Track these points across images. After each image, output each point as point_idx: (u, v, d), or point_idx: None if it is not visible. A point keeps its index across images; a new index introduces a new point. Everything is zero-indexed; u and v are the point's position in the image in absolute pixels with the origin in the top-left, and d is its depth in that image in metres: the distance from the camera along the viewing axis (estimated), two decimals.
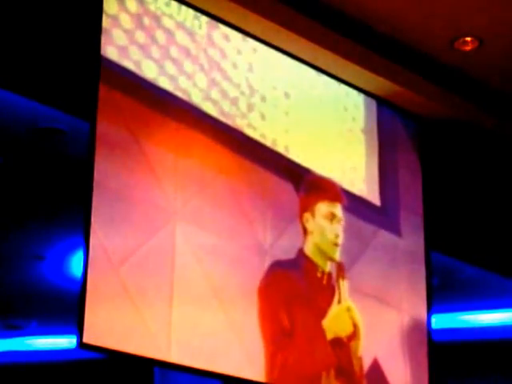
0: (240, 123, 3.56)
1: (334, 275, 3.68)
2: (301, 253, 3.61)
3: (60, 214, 4.40)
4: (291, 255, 3.59)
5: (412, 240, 4.05)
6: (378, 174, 4.03)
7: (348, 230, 3.81)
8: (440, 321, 5.23)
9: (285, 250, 3.56)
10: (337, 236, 3.71)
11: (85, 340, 2.91)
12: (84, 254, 2.98)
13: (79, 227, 3.04)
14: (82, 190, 3.07)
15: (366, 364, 3.71)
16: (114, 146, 3.13)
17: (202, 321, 3.22)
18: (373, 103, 4.09)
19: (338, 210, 3.75)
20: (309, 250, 3.64)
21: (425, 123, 4.22)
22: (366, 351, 3.70)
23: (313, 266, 3.63)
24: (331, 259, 3.69)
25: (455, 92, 4.13)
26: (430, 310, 4.00)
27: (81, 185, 3.09)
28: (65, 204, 4.20)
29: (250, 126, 3.59)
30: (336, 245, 3.70)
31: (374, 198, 3.99)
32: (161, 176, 3.24)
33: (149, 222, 3.16)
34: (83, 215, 3.01)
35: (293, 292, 3.53)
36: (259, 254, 3.47)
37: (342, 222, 3.75)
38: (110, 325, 2.98)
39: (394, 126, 4.17)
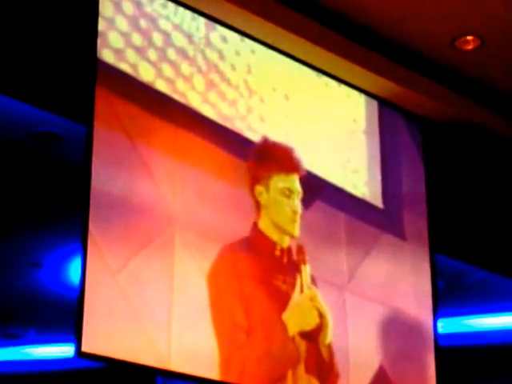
0: (239, 126, 3.52)
1: (295, 256, 3.42)
2: (255, 228, 3.36)
3: (57, 221, 4.37)
4: (244, 233, 3.34)
5: (416, 243, 4.01)
6: (380, 176, 4.00)
7: (351, 233, 3.75)
8: (447, 325, 5.19)
9: (237, 228, 3.28)
10: (295, 212, 3.43)
11: (83, 349, 2.88)
12: (82, 261, 2.95)
13: (77, 234, 3.01)
14: (79, 195, 3.03)
15: (372, 370, 3.66)
16: (111, 150, 3.10)
17: (202, 327, 3.17)
18: (374, 104, 4.06)
19: (295, 183, 3.48)
20: (264, 225, 3.38)
21: (427, 123, 4.20)
22: (370, 356, 3.64)
23: (269, 242, 3.36)
24: (290, 235, 3.44)
25: (457, 91, 4.12)
26: (436, 314, 3.96)
27: (78, 190, 3.06)
28: (62, 210, 4.17)
29: (249, 128, 3.55)
30: (294, 221, 3.43)
31: (377, 200, 3.95)
32: (159, 180, 3.20)
33: (147, 227, 3.12)
34: (81, 221, 2.97)
35: (246, 279, 3.23)
36: None
37: (301, 195, 3.49)
38: (109, 333, 2.94)
39: (396, 126, 4.13)
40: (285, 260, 3.38)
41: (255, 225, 3.36)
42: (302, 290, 3.38)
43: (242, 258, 3.27)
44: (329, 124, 3.88)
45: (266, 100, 3.66)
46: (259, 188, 3.40)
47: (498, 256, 4.43)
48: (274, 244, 3.38)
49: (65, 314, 4.15)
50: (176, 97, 3.33)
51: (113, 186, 3.07)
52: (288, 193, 3.44)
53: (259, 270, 3.31)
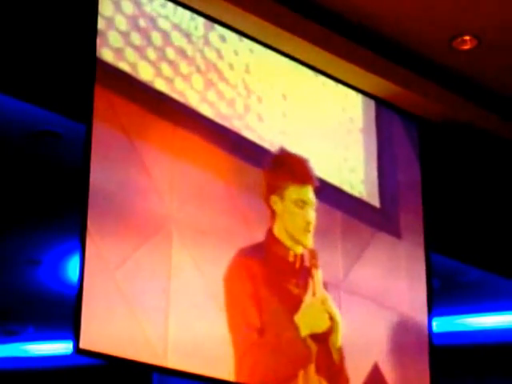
0: (237, 125, 3.54)
1: (308, 261, 3.50)
2: (270, 234, 3.45)
3: (56, 218, 4.38)
4: (259, 238, 3.43)
5: (412, 242, 4.02)
6: (377, 176, 4.01)
7: (347, 232, 3.77)
8: (441, 324, 5.20)
9: (249, 231, 3.37)
10: (308, 223, 3.52)
11: (81, 346, 2.89)
12: (80, 259, 2.96)
13: (75, 231, 3.02)
14: (77, 193, 3.04)
15: (366, 368, 3.67)
16: (109, 149, 3.11)
17: (199, 325, 3.19)
18: (371, 103, 4.07)
19: (309, 194, 3.57)
20: (278, 232, 3.47)
21: (424, 123, 4.21)
22: (364, 354, 3.66)
23: (283, 248, 3.45)
24: (303, 245, 3.52)
25: (454, 91, 4.12)
26: (431, 313, 3.97)
27: (77, 188, 3.07)
28: (61, 208, 4.18)
29: (247, 127, 3.57)
30: (308, 231, 3.52)
31: (374, 199, 3.97)
32: (157, 179, 3.22)
33: (145, 225, 3.14)
34: (79, 219, 2.99)
35: (260, 282, 3.32)
36: None
37: (314, 206, 3.57)
38: (107, 330, 2.95)
39: (392, 126, 4.15)
40: (297, 265, 3.47)
41: (270, 231, 3.45)
42: (313, 294, 3.47)
43: (257, 262, 3.36)
44: (326, 123, 3.90)
45: (263, 99, 3.67)
46: (274, 198, 3.49)
47: (493, 255, 4.44)
48: (287, 250, 3.47)
49: (63, 311, 4.17)
50: (175, 96, 3.35)
51: (111, 184, 3.08)
52: (301, 204, 3.53)
53: (273, 274, 3.39)
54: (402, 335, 3.86)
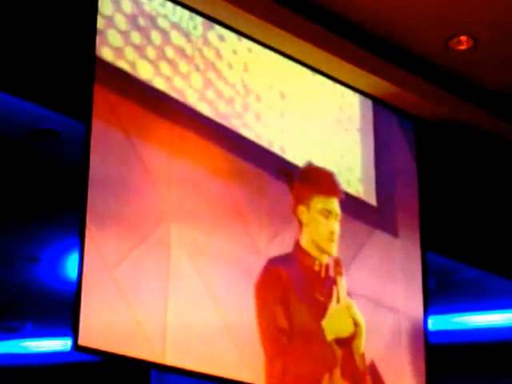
0: (235, 123, 3.55)
1: (332, 270, 3.64)
2: (297, 245, 3.59)
3: (55, 216, 4.39)
4: (288, 249, 3.56)
5: (408, 241, 4.04)
6: (374, 174, 4.03)
7: (344, 230, 3.80)
8: (437, 323, 5.21)
9: (281, 244, 3.52)
10: (332, 233, 3.67)
11: (80, 342, 2.90)
12: (79, 256, 2.97)
13: (74, 229, 3.04)
14: (76, 191, 3.05)
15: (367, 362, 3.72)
16: (108, 147, 3.12)
17: (198, 322, 3.21)
18: (368, 103, 4.09)
19: (334, 205, 3.71)
20: (305, 242, 3.61)
21: (420, 123, 4.22)
22: (366, 350, 3.70)
23: (309, 258, 3.60)
24: (328, 254, 3.67)
25: (450, 91, 4.13)
26: (427, 311, 3.99)
27: (76, 186, 3.08)
28: (59, 205, 4.19)
29: (245, 126, 3.59)
30: (332, 241, 3.67)
31: (371, 198, 3.99)
32: (155, 177, 3.24)
33: (143, 222, 3.16)
34: (78, 217, 3.00)
35: (290, 289, 3.48)
36: (255, 254, 3.46)
37: (339, 217, 3.71)
38: (106, 327, 2.97)
39: (389, 125, 4.16)
40: (323, 274, 3.61)
41: (297, 242, 3.59)
42: (338, 300, 3.60)
43: (286, 271, 3.51)
44: (323, 122, 3.91)
45: (262, 98, 3.69)
46: (301, 208, 3.61)
47: (489, 254, 4.45)
48: (313, 260, 3.61)
49: (62, 308, 4.19)
50: (174, 94, 3.36)
51: (110, 182, 3.09)
52: (327, 214, 3.66)
53: (300, 283, 3.53)
54: (397, 333, 3.88)
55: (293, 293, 3.48)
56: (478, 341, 5.87)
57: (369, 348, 3.72)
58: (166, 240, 3.20)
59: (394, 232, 4.01)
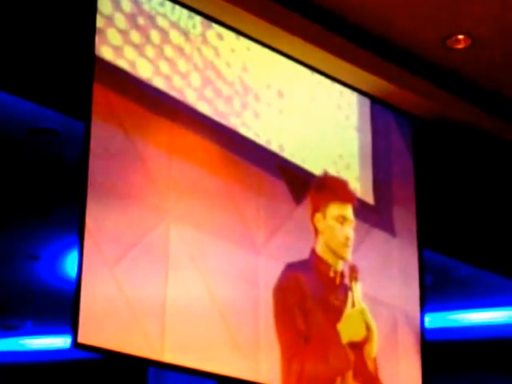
0: (234, 122, 3.56)
1: (347, 276, 3.71)
2: (313, 252, 3.66)
3: (54, 214, 4.40)
4: (304, 256, 3.63)
5: (405, 239, 4.05)
6: (371, 173, 4.04)
7: None
8: (433, 320, 5.22)
9: (297, 251, 3.60)
10: (347, 239, 3.75)
11: (79, 340, 2.91)
12: (79, 254, 2.98)
13: (74, 227, 3.04)
14: (76, 189, 3.06)
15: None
16: (108, 146, 3.13)
17: (196, 320, 3.22)
18: (366, 102, 4.10)
19: (348, 211, 3.79)
20: (320, 249, 3.68)
21: (418, 121, 4.23)
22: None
23: (325, 265, 3.67)
24: (343, 259, 3.74)
25: (448, 90, 4.13)
26: (423, 308, 4.00)
27: (75, 184, 3.09)
28: (59, 204, 4.20)
29: (244, 124, 3.60)
30: (347, 246, 3.74)
31: (368, 196, 4.00)
32: (155, 175, 3.25)
33: (143, 220, 3.16)
34: (78, 215, 3.01)
35: (307, 294, 3.56)
36: (253, 253, 3.48)
37: (353, 224, 3.79)
38: (105, 324, 2.98)
39: (387, 124, 4.17)
40: (338, 281, 3.69)
41: (313, 250, 3.66)
42: (353, 305, 3.68)
43: (304, 276, 3.60)
44: (321, 120, 3.92)
45: (260, 97, 3.70)
46: (318, 215, 3.70)
47: (485, 252, 4.46)
48: (329, 266, 3.69)
49: (61, 306, 4.20)
50: (173, 93, 3.37)
51: (110, 181, 3.10)
52: (342, 220, 3.75)
53: (316, 288, 3.62)
54: (394, 330, 3.89)
55: (310, 297, 3.56)
56: (475, 338, 5.87)
57: None
58: (165, 238, 3.21)
59: (391, 230, 4.02)
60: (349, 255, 3.74)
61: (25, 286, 5.48)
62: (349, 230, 3.76)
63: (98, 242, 3.02)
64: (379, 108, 4.13)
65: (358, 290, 3.70)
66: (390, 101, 4.09)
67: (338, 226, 3.73)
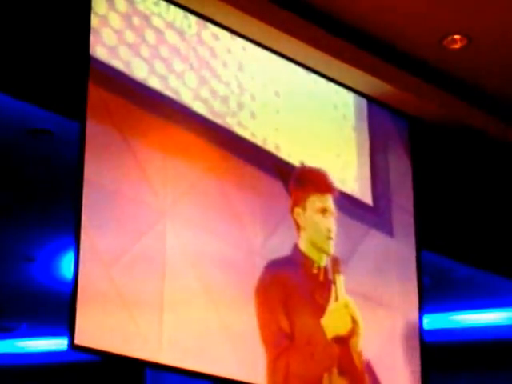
0: (230, 122, 3.56)
1: (330, 270, 3.65)
2: (296, 249, 3.60)
3: (50, 215, 4.39)
4: (286, 252, 3.57)
5: (404, 240, 4.04)
6: (369, 173, 4.03)
7: (340, 230, 3.80)
8: (432, 321, 5.22)
9: (279, 247, 3.54)
10: (329, 230, 3.67)
11: (76, 342, 2.90)
12: (75, 255, 2.97)
13: (70, 228, 3.04)
14: (71, 190, 3.05)
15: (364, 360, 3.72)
16: (103, 146, 3.13)
17: (194, 321, 3.21)
18: (363, 101, 4.09)
19: (329, 202, 3.72)
20: (303, 245, 3.62)
21: (414, 121, 4.23)
22: (363, 348, 3.70)
23: (308, 261, 3.61)
24: (326, 253, 3.67)
25: (445, 90, 4.13)
26: (422, 310, 3.99)
27: (71, 185, 3.08)
28: (55, 205, 4.19)
29: (240, 124, 3.59)
30: (329, 238, 3.67)
31: (366, 197, 3.99)
32: (150, 175, 3.24)
33: (139, 221, 3.16)
34: (74, 215, 3.00)
35: (290, 292, 3.51)
36: (250, 253, 3.47)
37: (335, 215, 3.72)
38: (102, 326, 2.97)
39: (384, 124, 4.17)
40: (321, 277, 3.62)
41: (296, 246, 3.59)
42: (336, 298, 3.61)
43: (286, 274, 3.53)
44: (318, 120, 3.92)
45: (256, 96, 3.69)
46: (297, 210, 3.62)
47: (484, 252, 4.46)
48: (312, 262, 3.62)
49: (57, 308, 4.18)
50: (168, 93, 3.36)
51: (105, 181, 3.09)
52: (323, 211, 3.67)
53: (300, 285, 3.55)
54: (393, 332, 3.89)
55: (293, 295, 3.50)
56: (474, 339, 5.87)
57: (364, 347, 3.73)
58: (162, 238, 3.20)
59: (389, 231, 4.01)
60: (331, 249, 3.67)
61: (20, 287, 5.47)
62: (331, 222, 3.69)
63: (94, 243, 3.01)
64: (376, 108, 4.13)
65: (341, 283, 3.61)
66: (386, 101, 4.09)
67: (319, 219, 3.65)
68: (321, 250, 3.65)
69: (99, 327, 2.96)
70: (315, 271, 3.61)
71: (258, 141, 3.65)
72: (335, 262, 3.65)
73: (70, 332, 2.89)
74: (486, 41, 3.83)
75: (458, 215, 4.39)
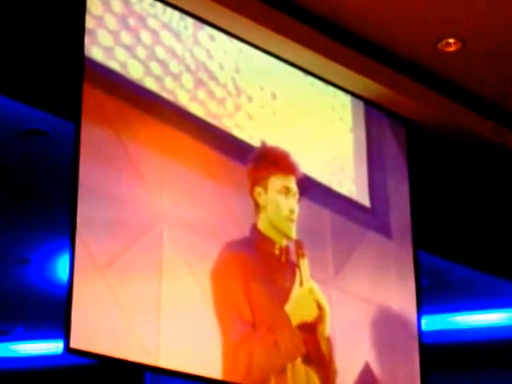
0: (227, 124, 3.54)
1: (294, 253, 3.51)
2: (255, 229, 3.45)
3: (45, 217, 4.37)
4: (245, 233, 3.43)
5: (401, 241, 4.04)
6: (367, 175, 4.03)
7: (337, 231, 3.79)
8: (430, 322, 5.22)
9: (238, 228, 3.38)
10: (292, 211, 3.52)
11: (72, 345, 2.88)
12: (70, 257, 2.95)
13: (64, 230, 3.02)
14: (66, 191, 3.04)
15: (357, 367, 3.68)
16: (99, 148, 3.11)
17: (191, 324, 3.19)
18: (360, 104, 4.09)
19: (292, 183, 3.58)
20: (263, 225, 3.46)
21: (410, 124, 4.23)
22: (354, 353, 3.67)
23: (268, 242, 3.45)
24: (286, 236, 3.52)
25: (439, 93, 4.14)
26: (420, 311, 3.99)
27: (66, 187, 3.06)
28: (49, 207, 4.17)
29: (237, 126, 3.58)
30: (291, 221, 3.52)
31: (364, 199, 3.98)
32: (147, 177, 3.22)
33: (135, 223, 3.14)
34: (69, 217, 2.98)
35: (250, 275, 3.31)
36: None
37: (297, 196, 3.58)
38: (98, 329, 2.95)
39: (381, 126, 4.17)
40: (283, 258, 3.47)
41: (254, 226, 3.45)
42: (301, 283, 3.46)
43: (245, 257, 3.36)
44: (315, 122, 3.91)
45: (253, 98, 3.68)
46: (258, 189, 3.48)
47: (481, 254, 4.47)
48: (272, 243, 3.47)
49: (53, 311, 4.16)
50: (164, 95, 3.35)
51: (101, 183, 3.08)
52: (286, 191, 3.53)
53: (260, 268, 3.39)
54: (391, 334, 3.88)
55: (254, 279, 3.32)
56: (472, 340, 5.88)
57: (363, 349, 3.72)
58: (159, 240, 3.18)
59: (386, 233, 4.01)
60: (293, 232, 3.51)
61: (15, 290, 5.45)
62: (293, 202, 3.53)
63: (90, 245, 2.99)
64: (373, 110, 4.13)
65: (305, 268, 3.46)
66: (382, 103, 4.09)
67: (281, 199, 3.49)
68: (281, 233, 3.50)
69: (95, 330, 2.94)
70: (277, 252, 3.44)
71: (255, 143, 3.64)
72: (299, 245, 3.49)
73: (66, 335, 2.87)
74: (479, 44, 3.85)
75: (456, 216, 4.39)
